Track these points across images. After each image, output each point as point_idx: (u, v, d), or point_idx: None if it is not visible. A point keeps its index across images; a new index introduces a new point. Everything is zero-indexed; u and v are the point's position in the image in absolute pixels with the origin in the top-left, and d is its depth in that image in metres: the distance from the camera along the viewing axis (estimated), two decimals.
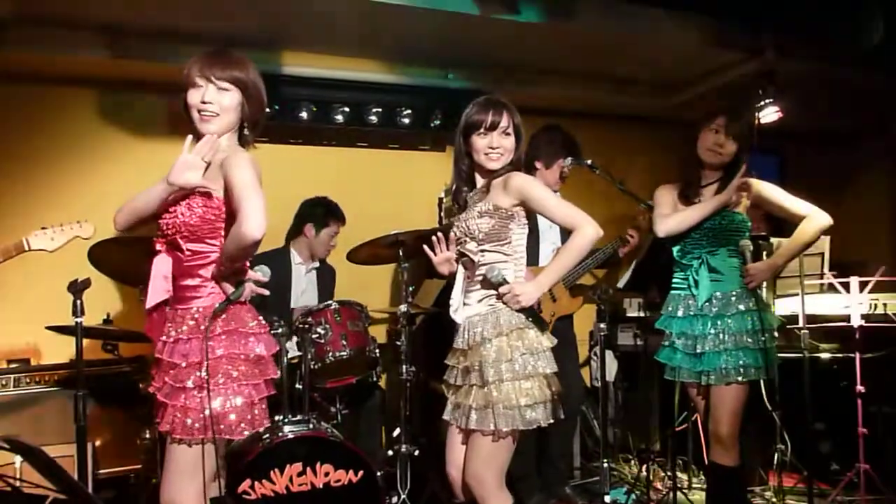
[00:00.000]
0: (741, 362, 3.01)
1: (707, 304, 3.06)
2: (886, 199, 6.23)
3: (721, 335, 3.03)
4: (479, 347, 2.52)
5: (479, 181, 2.68)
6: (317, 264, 4.33)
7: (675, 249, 3.12)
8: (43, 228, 3.26)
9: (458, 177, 2.70)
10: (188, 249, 2.28)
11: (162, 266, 2.30)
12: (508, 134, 2.59)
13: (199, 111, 2.30)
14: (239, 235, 2.14)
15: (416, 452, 3.73)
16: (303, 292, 4.32)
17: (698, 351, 3.04)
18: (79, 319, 2.82)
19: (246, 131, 2.40)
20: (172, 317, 2.29)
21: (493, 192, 2.61)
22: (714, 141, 3.05)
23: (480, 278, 2.57)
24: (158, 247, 2.34)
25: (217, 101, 2.30)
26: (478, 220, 2.57)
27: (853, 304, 3.93)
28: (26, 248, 3.22)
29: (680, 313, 3.12)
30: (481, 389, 2.49)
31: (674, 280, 3.20)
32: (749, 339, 3.02)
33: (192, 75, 2.30)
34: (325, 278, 4.41)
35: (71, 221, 3.29)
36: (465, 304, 2.61)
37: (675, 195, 3.17)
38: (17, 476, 3.30)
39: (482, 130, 2.56)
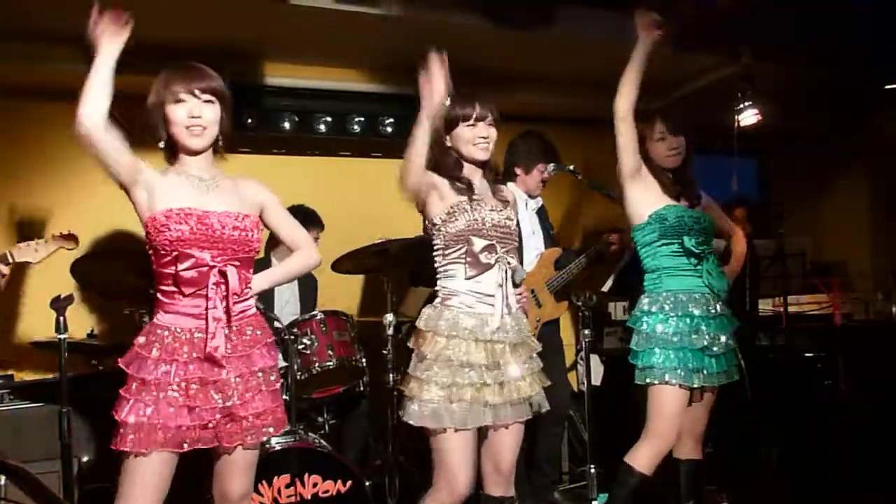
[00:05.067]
0: (736, 362, 3.05)
1: (721, 303, 3.02)
2: (865, 200, 6.30)
3: (730, 335, 3.01)
4: (528, 341, 2.63)
5: (469, 172, 2.65)
6: None
7: (694, 241, 2.96)
8: (26, 240, 3.24)
9: (446, 168, 2.63)
10: (249, 269, 2.38)
11: (233, 282, 2.27)
12: (492, 125, 2.63)
13: (186, 127, 2.26)
14: (311, 264, 2.61)
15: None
16: (286, 302, 4.31)
17: (720, 351, 2.96)
18: (62, 336, 2.81)
19: (220, 142, 2.36)
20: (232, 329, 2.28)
21: (509, 199, 2.71)
22: (667, 147, 3.04)
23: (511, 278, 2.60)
24: (220, 265, 2.24)
25: (203, 114, 2.26)
26: (513, 224, 2.65)
27: (835, 303, 3.97)
28: (10, 261, 3.21)
29: (706, 312, 2.96)
30: (537, 377, 2.60)
31: (684, 275, 3.01)
32: (734, 342, 3.06)
33: (174, 89, 2.25)
34: (307, 287, 4.39)
35: (54, 232, 3.29)
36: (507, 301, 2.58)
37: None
38: (3, 496, 3.27)
39: (472, 122, 2.59)
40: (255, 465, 2.38)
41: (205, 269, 2.22)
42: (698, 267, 2.98)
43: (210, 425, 2.20)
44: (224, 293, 2.23)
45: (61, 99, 4.42)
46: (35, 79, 4.28)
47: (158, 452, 2.15)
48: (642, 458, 2.95)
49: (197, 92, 2.25)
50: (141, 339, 2.24)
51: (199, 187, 2.30)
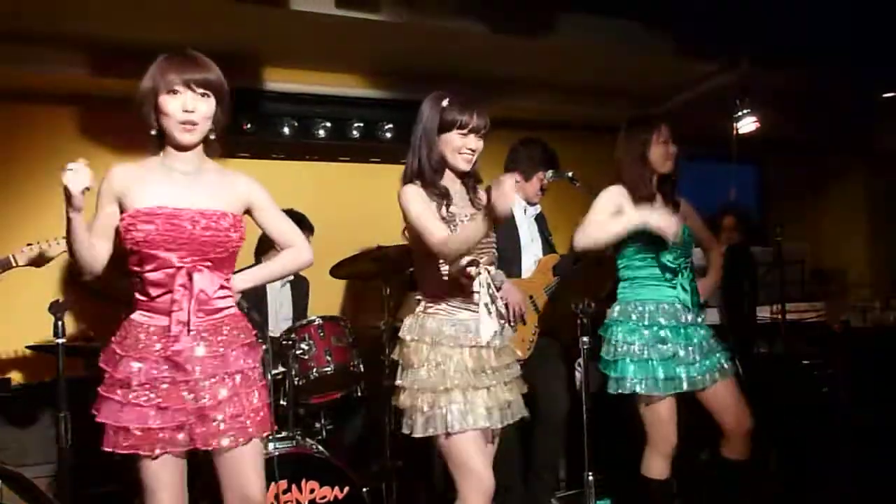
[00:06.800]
0: (722, 359, 3.08)
1: (692, 313, 3.06)
2: (863, 208, 6.31)
3: (707, 339, 3.07)
4: (509, 346, 2.64)
5: (449, 180, 2.62)
6: (291, 277, 4.26)
7: (670, 256, 3.03)
8: (29, 245, 3.23)
9: (430, 168, 2.56)
10: (227, 269, 2.31)
11: (202, 284, 2.21)
12: (482, 138, 2.57)
13: (179, 122, 2.18)
14: (303, 261, 2.49)
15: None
16: (280, 306, 4.30)
17: (695, 358, 3.00)
18: (60, 340, 2.79)
19: (213, 136, 2.28)
20: (205, 329, 2.22)
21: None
22: (668, 152, 3.06)
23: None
24: (189, 266, 2.19)
25: (197, 108, 2.19)
26: (491, 231, 2.57)
27: (833, 310, 3.98)
28: (14, 265, 3.20)
29: (674, 322, 3.03)
30: (517, 383, 2.61)
31: (655, 286, 3.08)
32: (717, 342, 3.12)
33: (170, 80, 2.16)
34: (299, 289, 4.38)
35: (57, 237, 3.27)
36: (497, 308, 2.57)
37: (629, 200, 3.05)
38: None
39: (465, 131, 2.52)
40: (261, 461, 2.30)
41: (171, 270, 2.17)
42: (673, 280, 3.05)
43: (182, 427, 2.16)
44: (188, 294, 2.18)
45: (56, 102, 4.50)
46: (28, 82, 4.28)
47: (148, 455, 2.13)
48: (651, 465, 3.05)
49: (192, 85, 2.18)
50: (116, 336, 2.22)
51: (178, 182, 2.24)
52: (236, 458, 2.23)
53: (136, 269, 2.20)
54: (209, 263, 2.22)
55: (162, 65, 2.20)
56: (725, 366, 3.06)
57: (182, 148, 2.25)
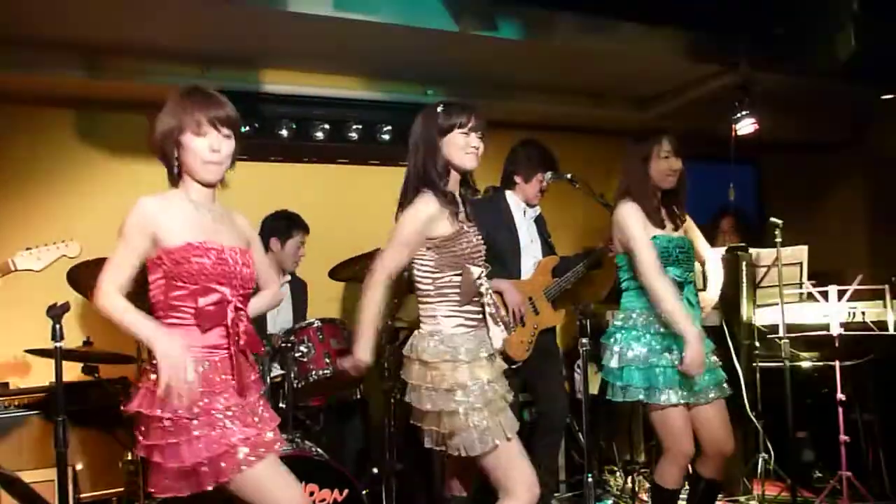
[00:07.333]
0: (724, 377, 3.08)
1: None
2: (863, 209, 6.30)
3: (709, 356, 3.04)
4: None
5: (452, 186, 2.65)
6: (288, 278, 4.26)
7: (677, 271, 3.01)
8: (28, 249, 3.22)
9: (437, 172, 2.60)
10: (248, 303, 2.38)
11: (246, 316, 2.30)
12: (481, 138, 2.63)
13: (206, 161, 2.21)
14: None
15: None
16: (279, 309, 4.29)
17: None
18: (58, 344, 2.79)
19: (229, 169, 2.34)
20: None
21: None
22: (669, 167, 3.03)
23: None
24: (235, 301, 2.24)
25: (222, 148, 2.23)
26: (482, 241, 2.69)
27: (832, 312, 3.97)
28: (12, 269, 3.19)
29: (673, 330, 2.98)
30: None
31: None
32: (717, 358, 3.12)
33: (198, 118, 2.18)
34: (298, 292, 4.37)
35: (56, 241, 3.26)
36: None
37: (645, 219, 3.03)
38: None
39: (466, 130, 2.58)
40: None
41: (224, 304, 2.20)
42: (679, 295, 2.99)
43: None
44: (239, 329, 2.22)
45: (55, 105, 4.50)
46: (28, 85, 4.27)
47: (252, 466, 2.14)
48: (665, 474, 3.04)
49: (218, 124, 2.21)
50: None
51: (206, 218, 2.26)
52: (279, 465, 2.26)
53: (188, 302, 2.18)
54: (242, 298, 2.28)
55: (184, 103, 2.21)
56: (724, 386, 3.06)
57: (205, 185, 2.29)
